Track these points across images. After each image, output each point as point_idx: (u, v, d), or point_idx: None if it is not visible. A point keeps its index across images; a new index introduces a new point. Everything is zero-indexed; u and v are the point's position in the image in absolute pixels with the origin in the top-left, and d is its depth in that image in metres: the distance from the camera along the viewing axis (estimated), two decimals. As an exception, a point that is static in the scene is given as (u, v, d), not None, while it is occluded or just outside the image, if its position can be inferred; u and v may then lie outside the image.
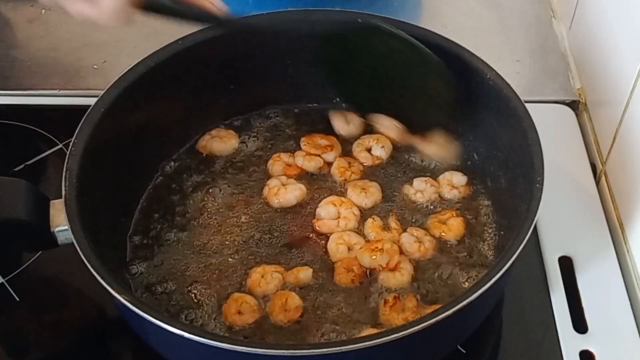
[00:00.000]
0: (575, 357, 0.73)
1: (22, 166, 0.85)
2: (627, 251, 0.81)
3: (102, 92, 0.71)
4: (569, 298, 0.78)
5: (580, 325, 0.76)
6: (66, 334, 0.74)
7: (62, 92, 0.94)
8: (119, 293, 0.56)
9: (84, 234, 0.58)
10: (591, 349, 0.74)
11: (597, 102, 0.92)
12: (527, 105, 0.71)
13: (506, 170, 0.75)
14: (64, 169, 0.62)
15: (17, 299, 0.74)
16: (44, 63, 0.99)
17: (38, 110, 0.92)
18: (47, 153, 0.87)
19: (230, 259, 0.73)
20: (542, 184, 0.66)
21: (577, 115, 0.94)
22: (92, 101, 0.73)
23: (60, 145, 0.87)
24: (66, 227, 0.60)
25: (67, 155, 0.63)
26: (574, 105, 0.94)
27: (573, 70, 0.98)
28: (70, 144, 0.65)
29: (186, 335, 0.55)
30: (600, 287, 0.79)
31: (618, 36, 0.84)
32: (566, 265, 0.80)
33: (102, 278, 0.56)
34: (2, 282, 0.75)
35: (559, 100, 0.95)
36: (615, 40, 0.85)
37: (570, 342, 0.74)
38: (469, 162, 0.81)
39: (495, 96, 0.73)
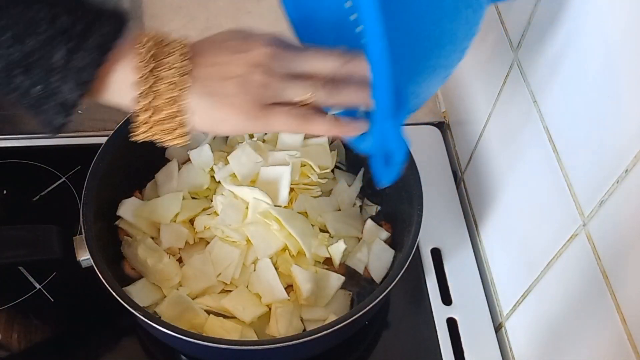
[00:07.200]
0: (443, 322, 0.83)
1: (37, 197, 0.93)
2: (480, 242, 0.89)
3: (102, 144, 0.79)
4: (438, 279, 0.87)
5: (446, 299, 0.85)
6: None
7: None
8: (133, 308, 0.68)
9: (101, 261, 0.69)
10: (454, 316, 0.83)
11: (457, 122, 0.99)
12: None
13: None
14: (81, 215, 0.72)
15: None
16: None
17: (40, 150, 0.99)
18: (53, 186, 0.94)
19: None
20: (422, 211, 0.75)
21: (442, 133, 1.02)
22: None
23: (63, 179, 0.95)
24: (88, 257, 0.70)
25: (81, 204, 0.72)
26: (440, 125, 1.03)
27: (439, 96, 1.06)
28: (82, 195, 0.74)
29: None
30: (460, 270, 0.87)
31: (473, 69, 0.89)
32: (436, 254, 0.89)
33: (117, 295, 0.67)
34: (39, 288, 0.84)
35: (429, 122, 1.03)
36: (470, 72, 0.91)
37: (439, 312, 0.83)
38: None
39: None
